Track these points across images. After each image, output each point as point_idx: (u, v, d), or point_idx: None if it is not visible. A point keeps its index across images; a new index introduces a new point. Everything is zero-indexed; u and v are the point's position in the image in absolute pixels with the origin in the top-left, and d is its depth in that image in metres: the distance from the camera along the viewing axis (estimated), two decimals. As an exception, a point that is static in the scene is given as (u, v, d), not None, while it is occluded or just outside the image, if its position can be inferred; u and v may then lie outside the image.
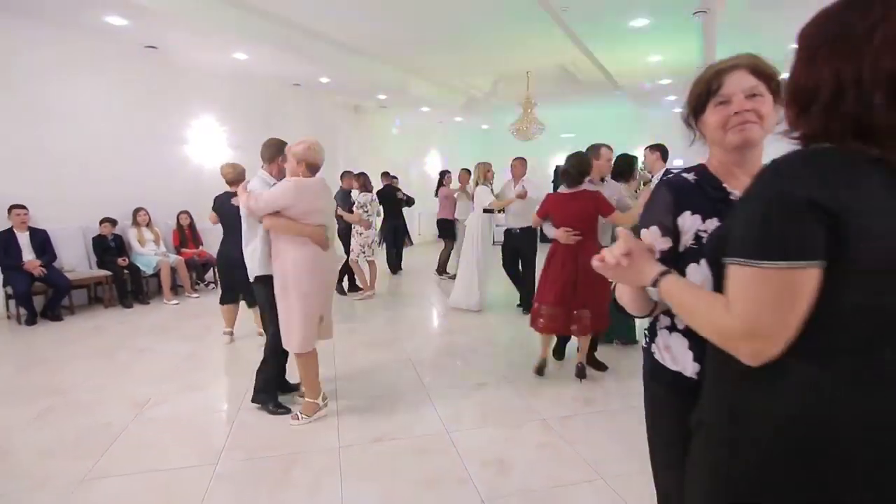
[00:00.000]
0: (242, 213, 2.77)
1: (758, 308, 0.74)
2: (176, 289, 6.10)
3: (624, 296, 1.13)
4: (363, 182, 6.01)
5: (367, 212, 5.93)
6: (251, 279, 2.86)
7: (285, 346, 2.77)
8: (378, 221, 6.01)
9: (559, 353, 3.74)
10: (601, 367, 3.50)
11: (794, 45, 0.81)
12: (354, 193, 6.05)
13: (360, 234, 5.89)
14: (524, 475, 2.29)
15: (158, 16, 4.96)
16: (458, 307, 5.30)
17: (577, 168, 3.16)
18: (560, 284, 3.18)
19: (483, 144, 13.99)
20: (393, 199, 7.42)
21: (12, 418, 2.88)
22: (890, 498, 0.72)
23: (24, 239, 4.99)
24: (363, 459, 2.44)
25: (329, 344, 3.98)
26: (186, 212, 6.46)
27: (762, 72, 1.09)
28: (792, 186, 0.72)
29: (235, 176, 4.20)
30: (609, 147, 3.63)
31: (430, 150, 12.53)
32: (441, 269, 7.23)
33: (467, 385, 3.35)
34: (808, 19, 0.80)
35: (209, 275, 6.63)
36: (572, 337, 3.47)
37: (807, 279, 0.71)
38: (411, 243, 8.22)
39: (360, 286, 6.11)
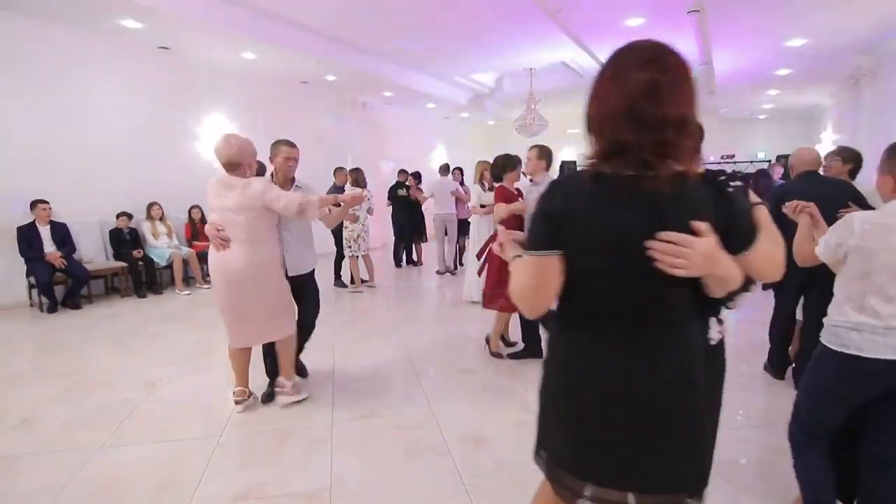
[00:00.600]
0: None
1: (521, 281, 1.07)
2: (188, 280, 6.39)
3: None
4: (355, 177, 6.14)
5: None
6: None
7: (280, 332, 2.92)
8: (364, 216, 6.10)
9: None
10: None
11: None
12: (347, 188, 6.22)
13: (346, 227, 6.02)
14: (498, 449, 2.50)
15: (170, 18, 5.22)
16: (471, 299, 5.49)
17: (496, 168, 3.56)
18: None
19: (490, 140, 14.14)
20: (395, 195, 7.67)
21: (38, 395, 3.17)
22: (608, 429, 1.05)
23: (45, 232, 5.31)
24: (352, 434, 2.66)
25: (327, 333, 4.24)
26: (198, 206, 6.74)
27: None
28: (541, 203, 1.05)
29: None
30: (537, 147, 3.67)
31: (437, 145, 12.70)
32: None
33: (455, 370, 3.56)
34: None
35: (219, 267, 6.92)
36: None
37: (549, 263, 1.03)
38: (425, 240, 8.20)
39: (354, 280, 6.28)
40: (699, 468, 1.11)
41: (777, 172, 7.41)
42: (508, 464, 2.34)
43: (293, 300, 3.00)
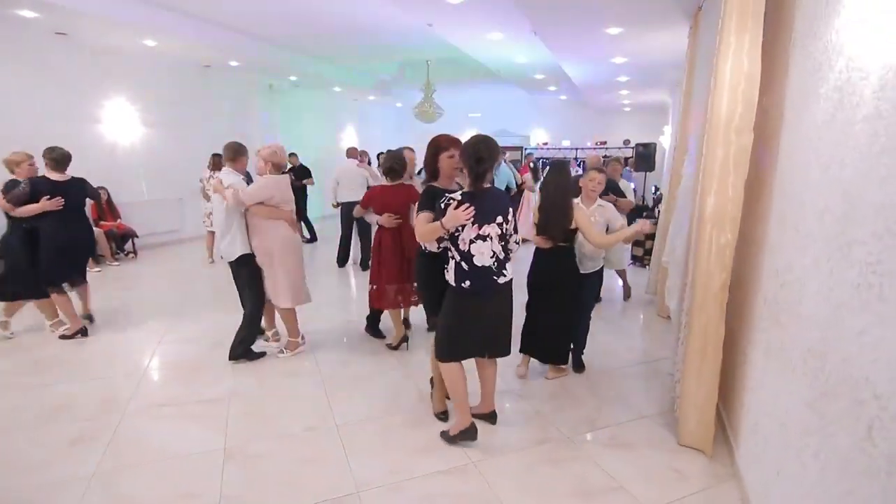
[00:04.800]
0: (221, 205, 3.44)
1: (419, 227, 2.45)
2: (97, 258, 6.80)
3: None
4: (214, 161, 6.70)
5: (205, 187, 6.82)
6: (233, 261, 3.54)
7: (276, 303, 3.63)
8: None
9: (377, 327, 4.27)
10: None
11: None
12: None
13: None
14: (357, 368, 3.61)
15: (66, 9, 5.51)
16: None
17: (401, 165, 3.88)
18: (397, 264, 3.73)
19: (397, 122, 14.95)
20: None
21: (-26, 354, 3.78)
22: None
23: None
24: (341, 381, 3.42)
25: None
26: (104, 188, 7.08)
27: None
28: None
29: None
30: (411, 149, 4.45)
31: (347, 126, 13.32)
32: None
33: (345, 327, 4.61)
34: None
35: (128, 245, 7.36)
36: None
37: (425, 218, 2.43)
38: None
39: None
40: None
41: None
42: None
43: None
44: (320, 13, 6.43)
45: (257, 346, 3.82)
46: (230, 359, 3.65)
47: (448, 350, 2.57)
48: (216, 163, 6.65)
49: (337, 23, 6.84)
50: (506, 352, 2.71)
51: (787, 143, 2.12)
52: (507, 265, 2.54)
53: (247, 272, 3.59)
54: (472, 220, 2.37)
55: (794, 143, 2.04)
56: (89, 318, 4.44)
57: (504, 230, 2.48)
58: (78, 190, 4.18)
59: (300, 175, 8.36)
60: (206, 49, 7.44)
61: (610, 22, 5.16)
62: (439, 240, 2.49)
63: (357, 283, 6.15)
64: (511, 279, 2.56)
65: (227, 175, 3.56)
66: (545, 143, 13.67)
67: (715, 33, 2.53)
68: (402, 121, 14.83)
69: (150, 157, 8.09)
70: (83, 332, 4.15)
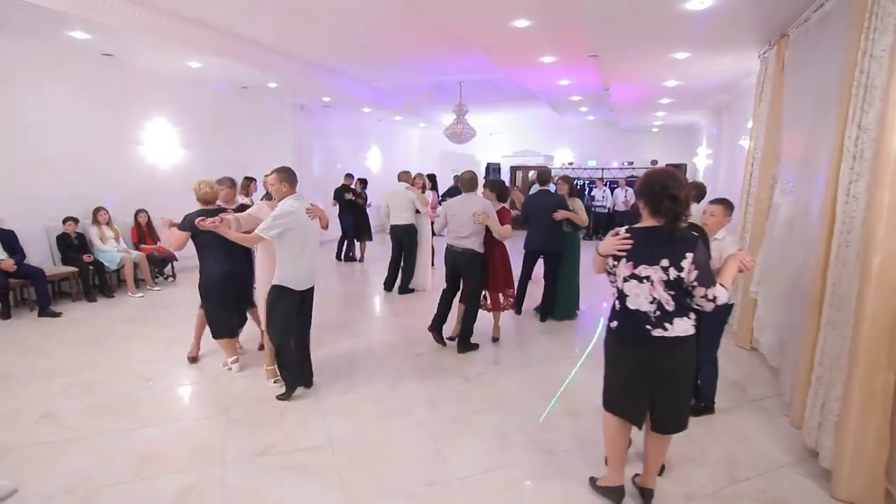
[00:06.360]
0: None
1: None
2: (138, 283, 6.61)
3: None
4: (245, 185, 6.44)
5: None
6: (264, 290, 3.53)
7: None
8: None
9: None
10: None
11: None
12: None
13: None
14: (450, 409, 3.39)
15: (120, 32, 5.42)
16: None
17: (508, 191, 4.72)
18: (508, 272, 4.62)
19: (420, 142, 14.92)
20: (341, 198, 8.43)
21: (41, 394, 3.55)
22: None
23: (-7, 239, 5.36)
24: (336, 405, 3.42)
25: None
26: (144, 210, 6.93)
27: None
28: None
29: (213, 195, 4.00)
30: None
31: (372, 146, 13.26)
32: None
33: (410, 353, 4.41)
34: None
35: (168, 269, 7.17)
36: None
37: None
38: (369, 238, 9.03)
39: None
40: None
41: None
42: (462, 418, 3.25)
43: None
44: (372, 35, 6.36)
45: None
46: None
47: (606, 396, 2.36)
48: (246, 186, 6.45)
49: (384, 45, 6.77)
50: (671, 427, 2.26)
51: None
52: (680, 321, 2.12)
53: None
54: (624, 254, 2.16)
55: None
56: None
57: (674, 277, 2.07)
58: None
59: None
60: (248, 70, 7.36)
61: (679, 47, 5.09)
62: (608, 272, 2.29)
63: (408, 308, 5.95)
64: (682, 337, 2.13)
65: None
66: (570, 163, 13.60)
67: (832, 59, 2.41)
68: (425, 141, 14.80)
69: (187, 179, 7.93)
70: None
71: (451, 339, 4.67)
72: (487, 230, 4.30)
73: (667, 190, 2.04)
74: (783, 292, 3.71)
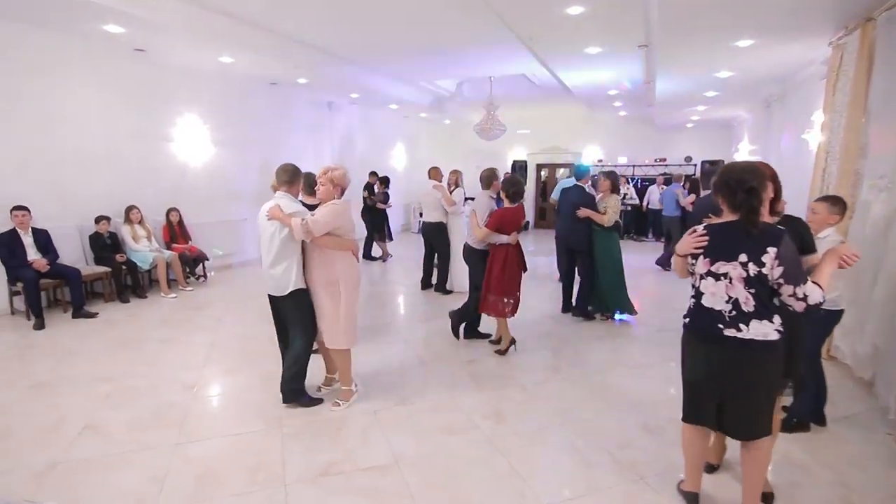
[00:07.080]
0: (280, 233, 3.05)
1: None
2: (170, 283, 6.46)
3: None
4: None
5: None
6: (286, 294, 3.13)
7: (330, 345, 3.25)
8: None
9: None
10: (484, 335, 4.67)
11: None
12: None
13: None
14: (515, 422, 3.14)
15: (153, 25, 5.26)
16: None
17: (523, 189, 4.28)
18: (520, 276, 4.24)
19: (444, 139, 14.66)
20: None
21: (82, 402, 3.38)
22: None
23: (27, 239, 5.24)
24: (393, 418, 3.19)
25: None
26: (176, 209, 6.79)
27: None
28: None
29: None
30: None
31: (397, 143, 13.05)
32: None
33: (460, 360, 4.16)
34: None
35: (199, 269, 7.03)
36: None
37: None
38: (390, 238, 8.99)
39: None
40: None
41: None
42: (528, 434, 2.99)
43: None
44: (404, 29, 6.10)
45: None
46: (285, 402, 3.31)
47: (685, 402, 2.26)
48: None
49: (419, 41, 6.51)
50: (741, 433, 2.13)
51: None
52: (759, 323, 1.96)
53: (308, 306, 3.22)
54: (701, 251, 2.06)
55: None
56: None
57: (754, 273, 1.92)
58: None
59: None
60: (282, 65, 7.17)
61: (746, 34, 4.75)
62: (690, 273, 2.19)
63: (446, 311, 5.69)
64: (759, 341, 1.96)
65: (287, 200, 3.12)
66: (599, 160, 13.22)
67: None
68: (450, 138, 14.54)
69: (217, 177, 7.82)
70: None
71: (493, 341, 4.56)
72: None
73: (742, 184, 1.95)
74: (878, 297, 3.38)
